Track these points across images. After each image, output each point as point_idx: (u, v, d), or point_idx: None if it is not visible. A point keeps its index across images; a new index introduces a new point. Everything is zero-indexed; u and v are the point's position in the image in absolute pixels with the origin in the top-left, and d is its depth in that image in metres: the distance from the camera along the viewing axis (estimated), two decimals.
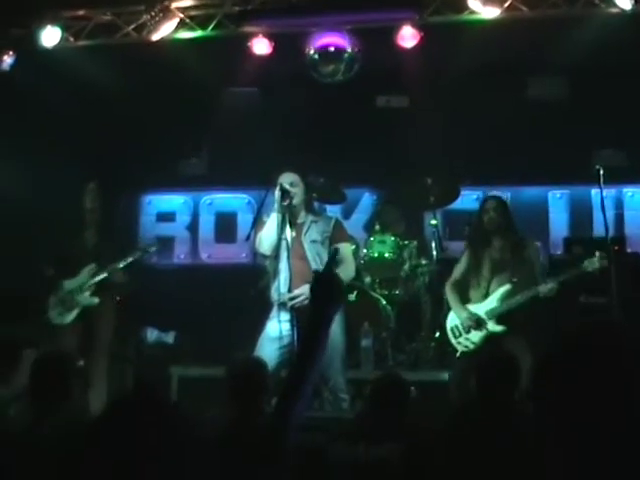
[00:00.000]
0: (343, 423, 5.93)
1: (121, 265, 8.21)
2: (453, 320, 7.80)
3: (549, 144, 10.60)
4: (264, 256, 7.45)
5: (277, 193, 7.14)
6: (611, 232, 9.61)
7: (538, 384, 2.19)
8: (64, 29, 9.28)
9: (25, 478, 4.39)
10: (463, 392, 7.25)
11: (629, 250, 9.57)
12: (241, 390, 5.33)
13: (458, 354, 7.76)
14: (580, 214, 10.98)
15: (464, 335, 7.67)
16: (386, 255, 9.64)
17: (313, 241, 7.24)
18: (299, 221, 7.34)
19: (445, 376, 8.17)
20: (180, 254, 11.88)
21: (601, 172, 7.60)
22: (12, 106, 9.67)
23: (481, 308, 7.66)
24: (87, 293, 8.19)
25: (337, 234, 7.37)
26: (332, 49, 9.03)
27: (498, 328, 7.55)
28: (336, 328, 7.14)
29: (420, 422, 6.37)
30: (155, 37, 9.03)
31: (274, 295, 7.22)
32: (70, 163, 10.83)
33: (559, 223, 11.26)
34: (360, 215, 11.65)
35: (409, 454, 4.47)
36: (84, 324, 8.23)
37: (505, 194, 11.34)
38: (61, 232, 8.94)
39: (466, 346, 7.66)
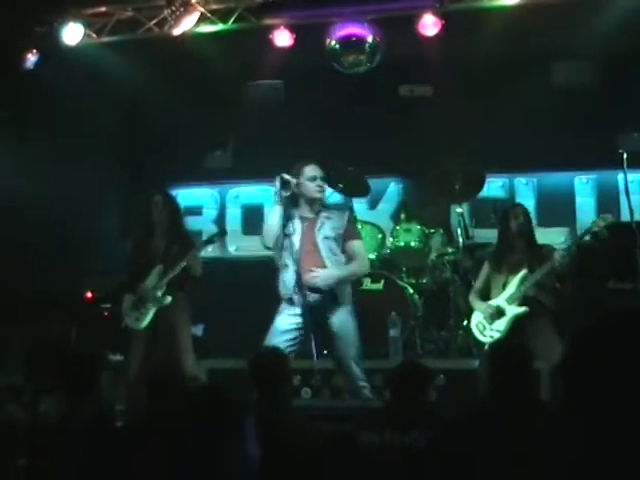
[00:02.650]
0: (370, 411, 5.94)
1: (196, 255, 8.40)
2: (476, 317, 7.84)
3: (574, 129, 10.56)
4: (268, 249, 7.41)
5: (277, 183, 7.04)
6: (638, 216, 9.60)
7: (570, 368, 2.20)
8: (86, 26, 9.34)
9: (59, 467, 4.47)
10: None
11: None
12: (261, 381, 5.39)
13: (486, 347, 7.73)
14: (607, 199, 10.90)
15: (488, 327, 7.68)
16: (412, 244, 9.64)
17: (326, 237, 7.10)
18: (311, 215, 7.20)
19: (474, 364, 8.16)
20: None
21: (624, 156, 7.59)
22: (37, 104, 9.72)
23: (500, 298, 7.68)
24: (159, 293, 8.27)
25: (349, 231, 7.22)
26: (353, 39, 9.02)
27: (519, 310, 7.55)
28: (346, 318, 7.14)
29: (447, 410, 6.39)
30: (177, 32, 9.07)
31: (282, 290, 7.12)
32: (95, 159, 10.94)
33: (586, 208, 11.19)
34: (386, 205, 11.66)
35: (434, 441, 4.48)
36: (160, 324, 8.30)
37: (531, 180, 11.36)
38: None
39: (492, 337, 7.66)
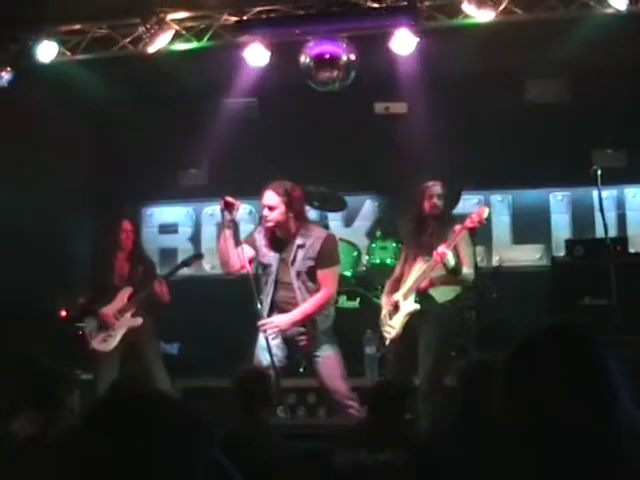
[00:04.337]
0: (346, 429, 5.92)
1: (162, 276, 8.68)
2: (383, 310, 7.76)
3: (549, 146, 10.61)
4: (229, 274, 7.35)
5: (220, 206, 7.00)
6: (613, 233, 9.68)
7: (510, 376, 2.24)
8: (61, 43, 9.29)
9: None
10: (398, 375, 7.29)
11: (632, 250, 9.56)
12: (244, 400, 5.38)
13: (387, 342, 7.69)
14: (582, 215, 10.98)
15: (387, 322, 7.61)
16: (388, 261, 9.64)
17: (299, 272, 7.01)
18: (285, 242, 7.10)
19: (449, 381, 8.13)
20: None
21: (599, 173, 7.61)
22: (11, 122, 9.66)
23: (400, 292, 7.60)
24: (128, 315, 8.37)
25: (321, 259, 7.05)
26: (328, 57, 8.99)
27: (409, 308, 7.47)
28: (326, 341, 7.12)
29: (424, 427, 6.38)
30: (151, 49, 9.02)
31: (260, 312, 7.07)
32: (71, 178, 10.89)
33: (561, 225, 11.27)
34: (362, 222, 11.68)
35: (410, 459, 4.46)
36: (129, 345, 8.40)
37: (507, 197, 11.40)
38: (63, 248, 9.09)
39: (389, 332, 7.59)
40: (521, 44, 9.46)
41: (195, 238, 12.20)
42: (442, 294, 7.54)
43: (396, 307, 7.57)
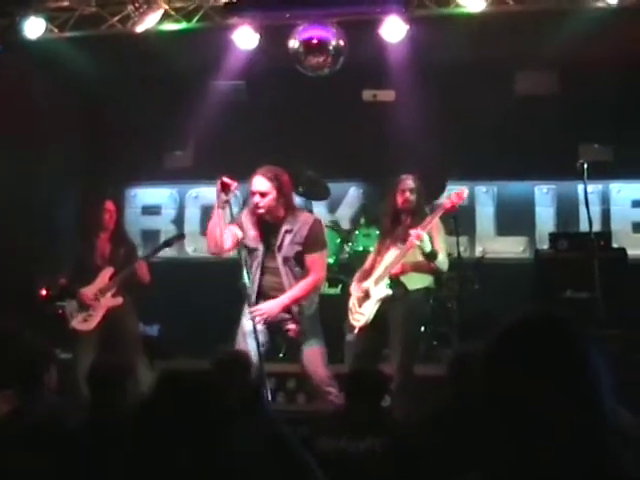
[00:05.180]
0: (326, 416, 5.91)
1: (144, 256, 8.75)
2: (351, 299, 7.74)
3: (536, 139, 10.60)
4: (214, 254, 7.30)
5: (217, 186, 6.78)
6: (597, 227, 9.70)
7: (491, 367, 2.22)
8: (48, 20, 9.22)
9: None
10: (367, 363, 7.13)
11: (615, 245, 9.58)
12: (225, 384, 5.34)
13: (355, 331, 7.66)
14: (566, 209, 11.00)
15: (356, 310, 7.60)
16: (371, 249, 9.58)
17: (286, 258, 6.91)
18: (272, 227, 6.96)
19: (431, 369, 8.14)
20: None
21: (585, 167, 7.60)
22: None
23: (371, 279, 7.59)
24: (109, 295, 8.40)
25: (309, 244, 6.95)
26: (316, 42, 8.93)
27: (382, 292, 7.45)
28: (310, 326, 7.06)
29: (403, 415, 6.36)
30: (139, 29, 8.96)
31: (246, 295, 6.96)
32: (54, 156, 10.83)
33: (545, 218, 11.29)
34: (346, 209, 11.69)
35: (389, 446, 4.45)
36: (108, 325, 8.40)
37: (492, 188, 11.40)
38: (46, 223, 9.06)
39: (357, 320, 7.57)
40: (512, 35, 9.45)
41: (178, 220, 12.16)
42: (413, 282, 7.53)
43: (366, 295, 7.55)
